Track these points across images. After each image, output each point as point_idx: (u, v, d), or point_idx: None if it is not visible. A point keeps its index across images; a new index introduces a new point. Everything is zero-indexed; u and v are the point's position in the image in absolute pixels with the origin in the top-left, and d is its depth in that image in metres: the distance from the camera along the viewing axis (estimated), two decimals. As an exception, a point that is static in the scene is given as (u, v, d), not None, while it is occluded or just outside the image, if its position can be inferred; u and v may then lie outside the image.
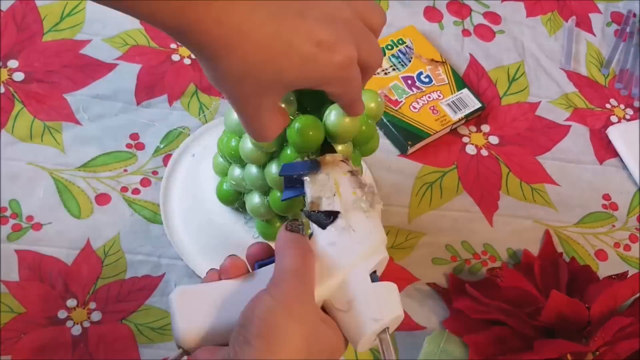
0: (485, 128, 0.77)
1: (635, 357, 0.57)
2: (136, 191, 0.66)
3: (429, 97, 0.76)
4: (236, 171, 0.57)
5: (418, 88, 0.76)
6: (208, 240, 0.63)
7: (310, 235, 0.45)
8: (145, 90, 0.72)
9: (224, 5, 0.36)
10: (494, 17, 0.86)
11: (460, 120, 0.75)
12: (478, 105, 0.76)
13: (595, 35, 0.87)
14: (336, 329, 0.43)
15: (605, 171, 0.77)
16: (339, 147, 0.51)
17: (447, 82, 0.77)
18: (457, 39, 0.83)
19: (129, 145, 0.68)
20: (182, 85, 0.73)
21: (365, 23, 0.42)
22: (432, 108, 0.75)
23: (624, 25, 0.88)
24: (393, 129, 0.73)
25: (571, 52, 0.84)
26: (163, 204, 0.65)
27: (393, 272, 0.66)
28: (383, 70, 0.77)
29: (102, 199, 0.65)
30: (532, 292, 0.64)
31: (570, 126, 0.79)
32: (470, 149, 0.75)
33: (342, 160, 0.47)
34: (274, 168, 0.53)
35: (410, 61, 0.78)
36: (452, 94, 0.76)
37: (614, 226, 0.73)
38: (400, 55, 0.79)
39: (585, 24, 0.88)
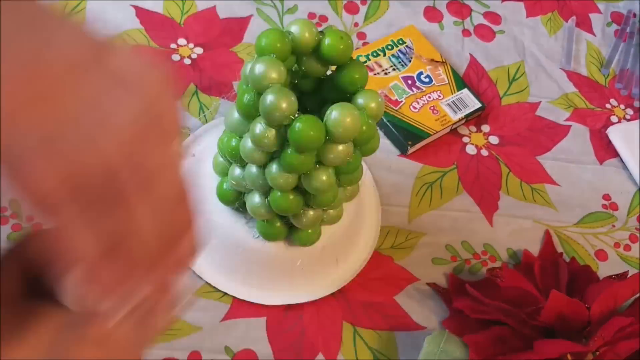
0: (486, 128, 0.77)
1: (635, 357, 0.57)
2: (136, 191, 0.66)
3: (429, 97, 0.76)
4: (236, 171, 0.57)
5: (418, 88, 0.76)
6: (208, 240, 0.63)
7: None
8: (145, 90, 0.71)
9: None
10: (494, 17, 0.86)
11: (460, 120, 0.75)
12: (478, 105, 0.76)
13: (595, 35, 0.87)
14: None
15: (606, 171, 0.77)
16: (340, 147, 0.51)
17: (447, 82, 0.77)
18: (457, 39, 0.83)
19: (129, 145, 0.68)
20: (182, 85, 0.73)
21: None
22: (432, 108, 0.75)
23: (624, 26, 0.88)
24: (393, 129, 0.73)
25: (571, 52, 0.84)
26: (163, 204, 0.65)
27: (393, 272, 0.66)
28: (383, 70, 0.77)
29: (102, 199, 0.65)
30: (532, 292, 0.64)
31: (570, 126, 0.79)
32: (471, 149, 0.75)
33: None
34: (274, 168, 0.53)
35: (410, 61, 0.78)
36: (452, 94, 0.76)
37: (614, 226, 0.73)
38: (400, 55, 0.79)
39: (585, 24, 0.88)
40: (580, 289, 0.63)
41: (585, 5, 0.90)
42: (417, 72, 0.77)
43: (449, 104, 0.76)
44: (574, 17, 0.88)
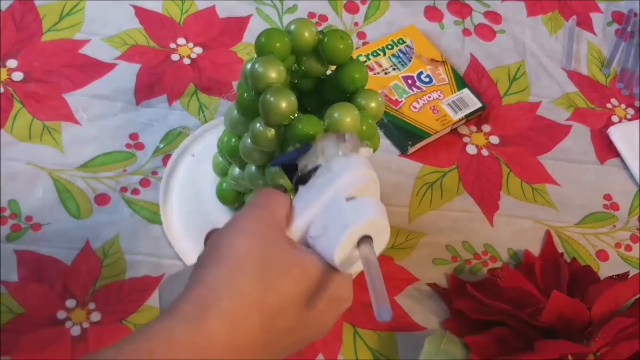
0: (486, 128, 0.77)
1: (636, 357, 0.57)
2: (136, 191, 0.66)
3: (430, 97, 0.76)
4: (236, 171, 0.57)
5: (418, 88, 0.76)
6: (208, 241, 0.63)
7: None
8: (144, 90, 0.71)
9: None
10: (495, 17, 0.86)
11: (460, 120, 0.75)
12: (478, 105, 0.76)
13: (596, 34, 0.87)
14: (312, 254, 0.40)
15: (606, 171, 0.76)
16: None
17: (447, 81, 0.77)
18: (457, 39, 0.83)
19: (128, 145, 0.68)
20: (182, 85, 0.73)
21: None
22: (432, 108, 0.75)
23: (624, 25, 0.88)
24: (393, 129, 0.73)
25: (572, 52, 0.84)
26: (163, 204, 0.65)
27: (393, 273, 0.66)
28: (383, 70, 0.77)
29: (102, 199, 0.65)
30: (532, 293, 0.63)
31: (571, 126, 0.79)
32: (471, 149, 0.75)
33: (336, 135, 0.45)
34: (274, 168, 0.53)
35: (410, 61, 0.78)
36: (452, 93, 0.76)
37: (614, 226, 0.73)
38: (401, 55, 0.78)
39: (586, 24, 0.88)
40: (581, 290, 0.62)
41: (585, 5, 0.89)
42: (417, 72, 0.77)
43: (449, 104, 0.75)
44: (574, 17, 0.88)
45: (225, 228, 0.40)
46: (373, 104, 0.52)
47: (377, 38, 0.80)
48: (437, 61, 0.79)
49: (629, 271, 0.66)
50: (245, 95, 0.51)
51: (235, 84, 0.74)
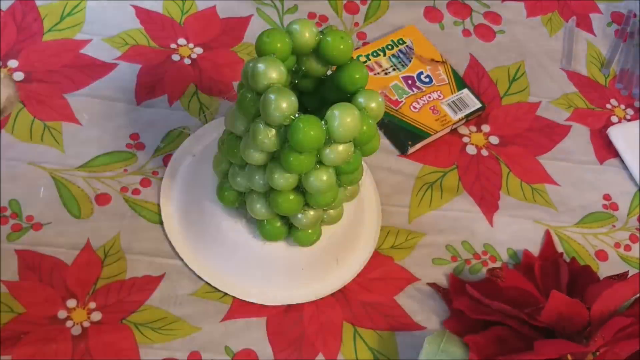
0: (486, 128, 0.77)
1: (635, 357, 0.57)
2: (136, 191, 0.66)
3: (429, 97, 0.76)
4: (236, 171, 0.57)
5: (418, 88, 0.76)
6: (208, 241, 0.63)
7: None
8: (145, 90, 0.72)
9: None
10: (495, 17, 0.86)
11: (460, 120, 0.75)
12: (478, 105, 0.76)
13: (595, 35, 0.87)
14: None
15: (606, 171, 0.77)
16: (340, 147, 0.51)
17: (447, 82, 0.77)
18: (457, 39, 0.83)
19: (129, 145, 0.68)
20: (182, 85, 0.73)
21: None
22: (432, 108, 0.75)
23: (624, 26, 0.88)
24: (393, 129, 0.73)
25: (571, 52, 0.84)
26: (163, 204, 0.65)
27: (393, 272, 0.66)
28: (383, 70, 0.77)
29: (102, 199, 0.65)
30: (532, 293, 0.64)
31: (570, 126, 0.79)
32: (471, 149, 0.75)
33: None
34: (274, 168, 0.53)
35: (410, 61, 0.78)
36: (452, 94, 0.76)
37: (614, 226, 0.73)
38: (401, 55, 0.78)
39: (585, 24, 0.88)
40: (580, 289, 0.63)
41: (585, 5, 0.90)
42: (417, 72, 0.77)
43: (449, 104, 0.75)
44: (574, 17, 0.88)
45: None
46: (373, 104, 0.52)
47: (377, 38, 0.80)
48: (437, 61, 0.79)
49: (628, 271, 0.66)
50: (246, 95, 0.52)
51: (235, 84, 0.74)
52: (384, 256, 0.67)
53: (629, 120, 0.80)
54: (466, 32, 0.84)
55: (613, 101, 0.82)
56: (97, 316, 0.59)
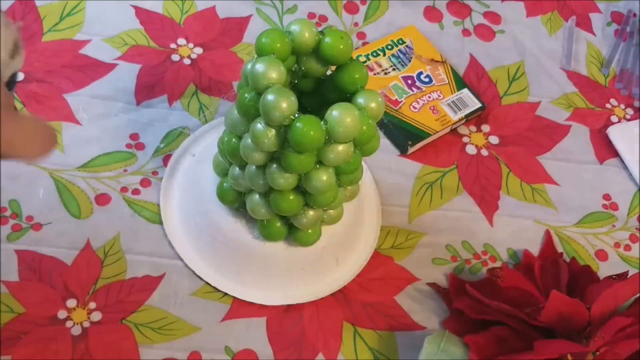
0: (486, 128, 0.77)
1: (635, 357, 0.57)
2: (136, 191, 0.66)
3: (429, 97, 0.76)
4: (236, 171, 0.57)
5: (418, 88, 0.76)
6: (208, 241, 0.63)
7: None
8: (145, 90, 0.72)
9: None
10: (494, 17, 0.86)
11: (460, 120, 0.75)
12: (478, 105, 0.76)
13: (595, 35, 0.87)
14: None
15: (606, 171, 0.77)
16: (340, 147, 0.51)
17: (447, 82, 0.77)
18: (457, 39, 0.83)
19: (129, 146, 0.68)
20: (182, 85, 0.73)
21: None
22: (432, 108, 0.75)
23: (624, 25, 0.88)
24: (393, 129, 0.73)
25: (571, 52, 0.84)
26: (163, 204, 0.65)
27: (393, 272, 0.66)
28: (383, 70, 0.77)
29: (102, 199, 0.65)
30: (532, 293, 0.64)
31: (570, 126, 0.79)
32: (471, 149, 0.75)
33: None
34: (274, 168, 0.53)
35: (410, 61, 0.78)
36: (452, 93, 0.76)
37: (614, 226, 0.73)
38: (400, 55, 0.78)
39: (585, 24, 0.88)
40: (580, 289, 0.63)
41: (585, 5, 0.90)
42: (417, 72, 0.77)
43: (449, 104, 0.75)
44: (574, 17, 0.88)
45: None
46: (373, 104, 0.52)
47: (377, 38, 0.80)
48: (436, 61, 0.79)
49: (628, 271, 0.66)
50: (246, 95, 0.52)
51: (235, 84, 0.74)
52: (384, 256, 0.67)
53: (628, 120, 0.80)
54: (466, 32, 0.84)
55: (613, 101, 0.82)
56: (97, 316, 0.59)
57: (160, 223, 0.64)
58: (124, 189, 0.66)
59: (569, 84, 0.82)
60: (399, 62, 0.78)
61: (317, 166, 0.52)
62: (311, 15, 0.81)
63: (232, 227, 0.61)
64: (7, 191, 0.64)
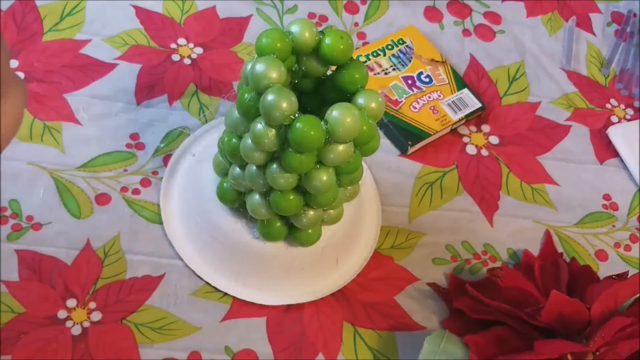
0: (486, 128, 0.77)
1: (635, 357, 0.57)
2: (136, 191, 0.66)
3: (429, 97, 0.76)
4: (236, 171, 0.57)
5: (418, 88, 0.76)
6: (208, 241, 0.63)
7: None
8: (145, 90, 0.72)
9: None
10: (495, 17, 0.86)
11: (460, 120, 0.75)
12: (478, 105, 0.76)
13: (595, 35, 0.87)
14: None
15: (606, 171, 0.77)
16: (340, 147, 0.51)
17: (447, 82, 0.77)
18: (457, 39, 0.83)
19: (129, 145, 0.68)
20: (182, 85, 0.73)
21: None
22: (432, 108, 0.75)
23: (624, 25, 0.88)
24: (393, 129, 0.73)
25: (571, 52, 0.84)
26: (163, 204, 0.65)
27: (393, 272, 0.66)
28: (383, 70, 0.77)
29: (102, 199, 0.65)
30: (532, 293, 0.64)
31: (570, 126, 0.79)
32: (471, 149, 0.75)
33: None
34: (274, 168, 0.53)
35: (410, 61, 0.78)
36: (452, 93, 0.76)
37: (614, 226, 0.73)
38: (401, 55, 0.78)
39: (585, 24, 0.88)
40: (580, 289, 0.63)
41: (585, 5, 0.90)
42: (417, 72, 0.77)
43: (449, 104, 0.75)
44: (574, 17, 0.88)
45: None
46: (373, 104, 0.52)
47: (377, 38, 0.80)
48: (437, 61, 0.79)
49: (628, 271, 0.66)
50: (246, 95, 0.52)
51: (235, 84, 0.74)
52: (384, 256, 0.67)
53: (628, 120, 0.80)
54: (466, 32, 0.84)
55: (613, 101, 0.82)
56: (97, 316, 0.59)
57: (160, 223, 0.64)
58: (124, 189, 0.66)
59: (569, 84, 0.82)
60: (399, 62, 0.78)
61: (317, 166, 0.52)
62: (311, 15, 0.81)
63: (232, 227, 0.61)
64: (7, 191, 0.64)
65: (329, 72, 0.55)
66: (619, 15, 0.89)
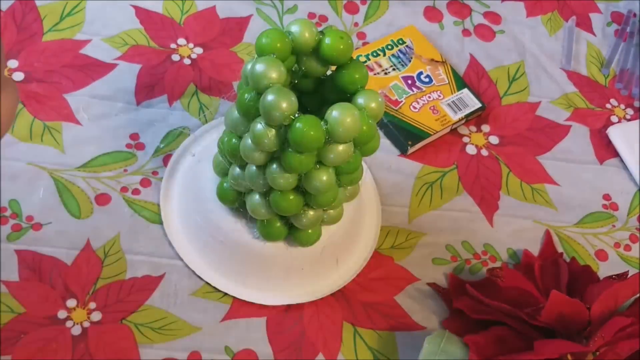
0: (486, 128, 0.77)
1: (635, 357, 0.57)
2: (136, 191, 0.66)
3: (429, 97, 0.76)
4: (236, 171, 0.57)
5: (418, 88, 0.76)
6: (208, 241, 0.63)
7: None
8: (145, 90, 0.72)
9: None
10: (494, 17, 0.86)
11: (460, 120, 0.75)
12: (478, 105, 0.76)
13: (595, 35, 0.87)
14: None
15: (606, 171, 0.77)
16: (340, 147, 0.51)
17: (447, 82, 0.77)
18: (457, 39, 0.83)
19: (129, 145, 0.68)
20: (182, 85, 0.73)
21: None
22: (432, 108, 0.75)
23: (624, 25, 0.88)
24: (393, 129, 0.73)
25: (571, 52, 0.84)
26: (163, 204, 0.65)
27: (393, 272, 0.66)
28: (383, 70, 0.77)
29: (102, 199, 0.65)
30: (532, 293, 0.64)
31: (570, 126, 0.79)
32: (471, 149, 0.75)
33: None
34: (274, 168, 0.53)
35: (410, 61, 0.78)
36: (452, 94, 0.76)
37: (614, 226, 0.73)
38: (400, 55, 0.79)
39: (585, 24, 0.88)
40: (580, 289, 0.63)
41: (585, 5, 0.90)
42: (417, 72, 0.77)
43: (449, 104, 0.76)
44: (574, 17, 0.88)
45: None
46: (373, 104, 0.52)
47: (377, 38, 0.80)
48: (436, 61, 0.79)
49: (628, 271, 0.66)
50: (246, 95, 0.52)
51: (235, 84, 0.74)
52: (384, 256, 0.67)
53: (628, 120, 0.80)
54: (466, 32, 0.84)
55: (613, 101, 0.82)
56: (97, 316, 0.59)
57: (160, 223, 0.64)
58: (124, 189, 0.66)
59: (569, 84, 0.82)
60: (399, 62, 0.78)
61: (317, 166, 0.52)
62: (311, 15, 0.81)
63: (232, 227, 0.61)
64: (7, 191, 0.64)
65: (328, 72, 0.55)
66: (619, 15, 0.89)
